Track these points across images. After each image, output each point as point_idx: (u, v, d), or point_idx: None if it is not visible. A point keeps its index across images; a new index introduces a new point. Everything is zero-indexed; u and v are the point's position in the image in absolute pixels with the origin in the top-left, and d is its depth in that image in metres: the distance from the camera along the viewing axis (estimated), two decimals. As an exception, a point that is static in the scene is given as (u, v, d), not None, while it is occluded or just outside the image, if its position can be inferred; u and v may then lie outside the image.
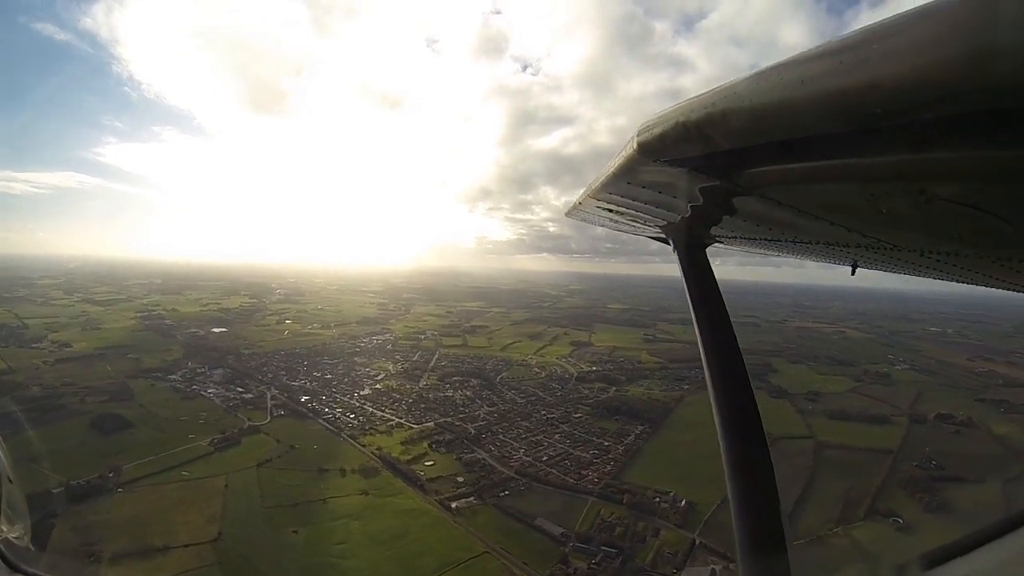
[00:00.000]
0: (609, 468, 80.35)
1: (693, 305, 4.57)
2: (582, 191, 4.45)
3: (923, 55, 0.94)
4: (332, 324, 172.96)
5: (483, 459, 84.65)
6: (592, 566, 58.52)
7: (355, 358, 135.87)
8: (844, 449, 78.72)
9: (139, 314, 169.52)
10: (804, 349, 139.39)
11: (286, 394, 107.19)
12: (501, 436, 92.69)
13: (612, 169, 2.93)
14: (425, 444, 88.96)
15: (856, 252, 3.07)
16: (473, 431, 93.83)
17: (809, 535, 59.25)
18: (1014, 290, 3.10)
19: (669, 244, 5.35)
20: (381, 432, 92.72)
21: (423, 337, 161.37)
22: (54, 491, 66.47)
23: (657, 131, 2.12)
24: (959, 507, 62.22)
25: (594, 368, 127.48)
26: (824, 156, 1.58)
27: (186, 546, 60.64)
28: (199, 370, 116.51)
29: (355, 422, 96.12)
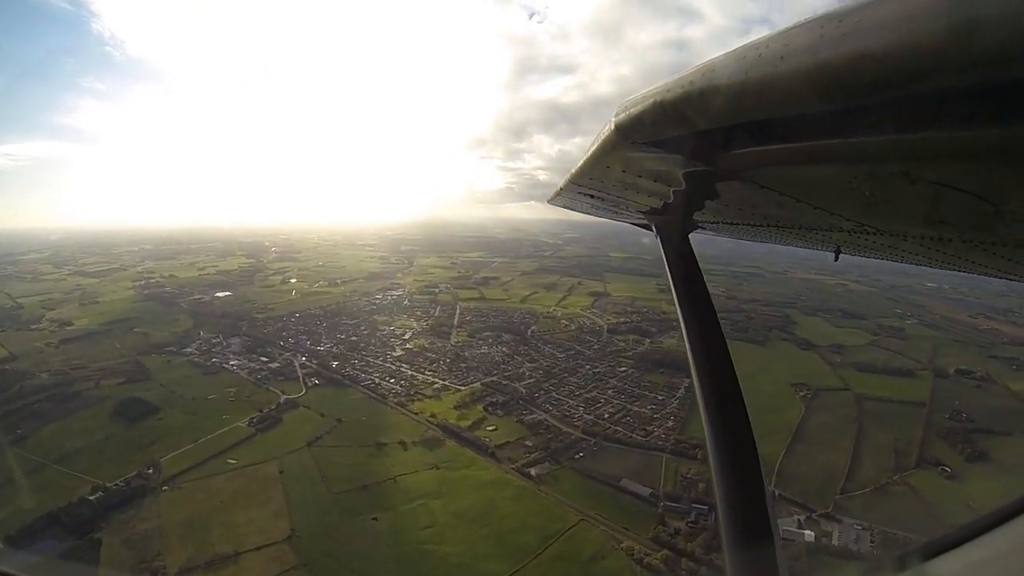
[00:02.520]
0: (671, 423, 73.98)
1: (676, 292, 4.18)
2: (564, 178, 4.28)
3: (907, 25, 0.88)
4: (339, 281, 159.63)
5: (545, 420, 76.75)
6: (690, 524, 54.31)
7: (375, 316, 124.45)
8: (882, 401, 75.78)
9: (136, 283, 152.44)
10: (814, 302, 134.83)
11: (315, 360, 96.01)
12: (554, 394, 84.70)
13: (591, 152, 2.74)
14: (480, 407, 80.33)
15: (839, 237, 2.96)
16: (524, 391, 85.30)
17: (872, 483, 58.06)
18: (996, 276, 3.04)
19: (652, 231, 5.01)
20: (429, 397, 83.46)
21: (437, 291, 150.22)
22: (91, 498, 55.24)
23: (634, 111, 1.94)
24: (996, 457, 61.01)
25: (622, 320, 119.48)
26: (806, 137, 1.48)
27: (259, 549, 51.17)
28: (214, 340, 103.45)
29: (397, 387, 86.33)
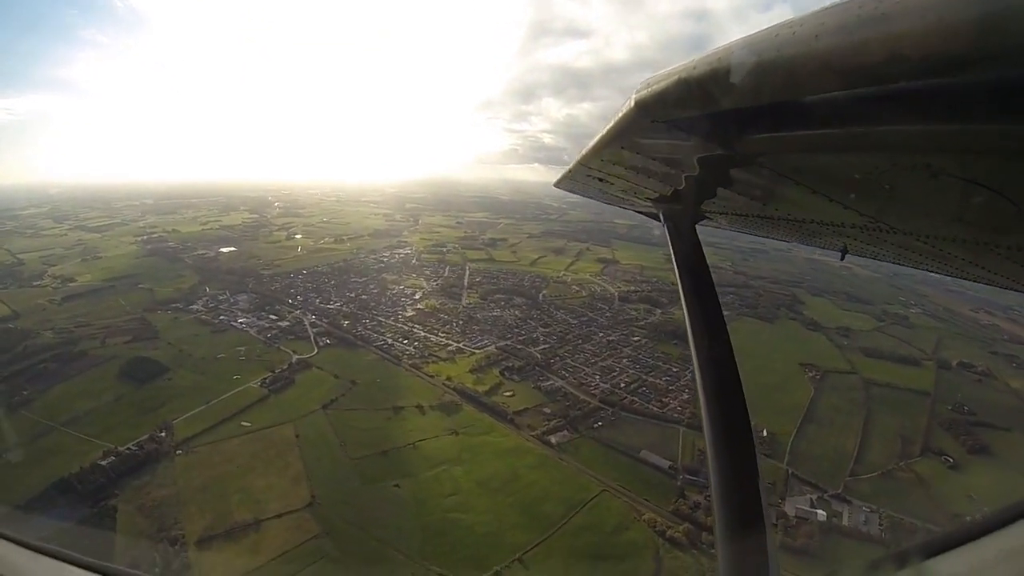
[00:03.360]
0: (687, 396, 71.27)
1: (681, 282, 4.01)
2: (573, 161, 4.24)
3: (950, 9, 0.82)
4: (344, 238, 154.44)
5: (562, 387, 74.13)
6: (708, 499, 50.55)
7: (383, 275, 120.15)
8: (888, 388, 74.29)
9: (138, 238, 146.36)
10: (820, 283, 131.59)
11: (325, 319, 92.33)
12: (569, 361, 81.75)
13: (608, 130, 2.64)
14: (496, 372, 77.50)
15: (850, 233, 2.89)
16: (540, 356, 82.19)
17: (879, 468, 57.49)
18: (1006, 286, 2.97)
19: (659, 219, 4.79)
20: (443, 360, 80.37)
21: (445, 250, 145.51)
22: (103, 463, 52.21)
23: (658, 88, 1.86)
24: (996, 452, 60.08)
25: (633, 289, 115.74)
26: (830, 122, 1.41)
27: (280, 516, 48.74)
28: (220, 297, 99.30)
29: (411, 349, 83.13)
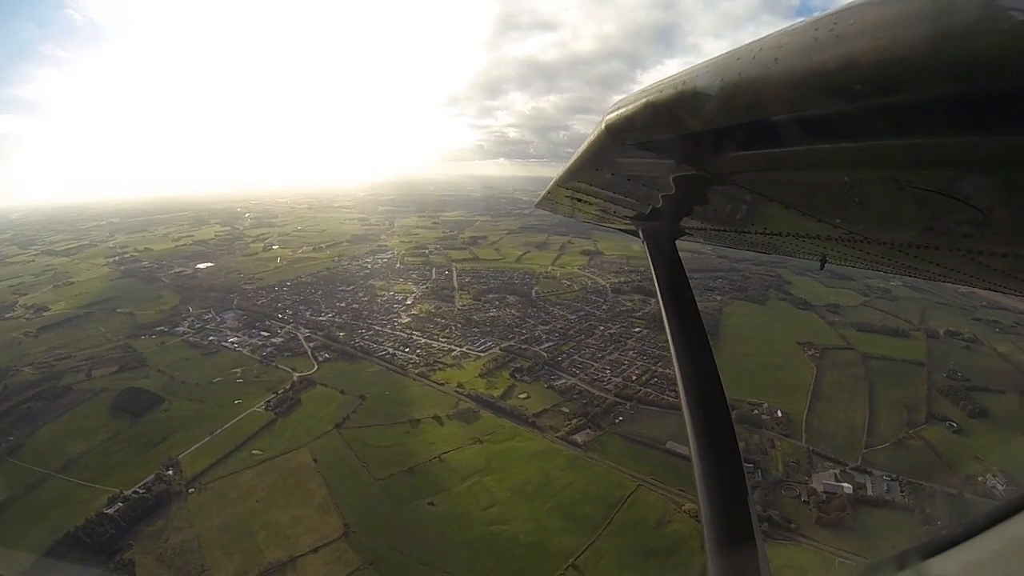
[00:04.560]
0: None
1: (662, 297, 3.97)
2: (552, 181, 4.16)
3: (901, 29, 0.84)
4: (323, 245, 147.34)
5: (575, 385, 72.26)
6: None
7: (370, 281, 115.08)
8: (885, 360, 75.41)
9: (110, 259, 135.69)
10: (802, 261, 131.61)
11: (319, 332, 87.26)
12: (576, 357, 79.80)
13: (581, 153, 2.66)
14: (506, 374, 74.88)
15: (826, 245, 2.91)
16: (546, 355, 79.96)
17: (891, 437, 58.29)
18: (981, 287, 3.02)
19: (639, 237, 4.81)
20: (450, 365, 77.14)
21: (428, 252, 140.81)
22: (109, 511, 46.88)
23: (626, 112, 1.88)
24: (995, 414, 61.64)
25: (623, 280, 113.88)
26: (797, 140, 1.42)
27: (315, 551, 45.11)
28: (206, 316, 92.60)
29: (414, 357, 79.43)
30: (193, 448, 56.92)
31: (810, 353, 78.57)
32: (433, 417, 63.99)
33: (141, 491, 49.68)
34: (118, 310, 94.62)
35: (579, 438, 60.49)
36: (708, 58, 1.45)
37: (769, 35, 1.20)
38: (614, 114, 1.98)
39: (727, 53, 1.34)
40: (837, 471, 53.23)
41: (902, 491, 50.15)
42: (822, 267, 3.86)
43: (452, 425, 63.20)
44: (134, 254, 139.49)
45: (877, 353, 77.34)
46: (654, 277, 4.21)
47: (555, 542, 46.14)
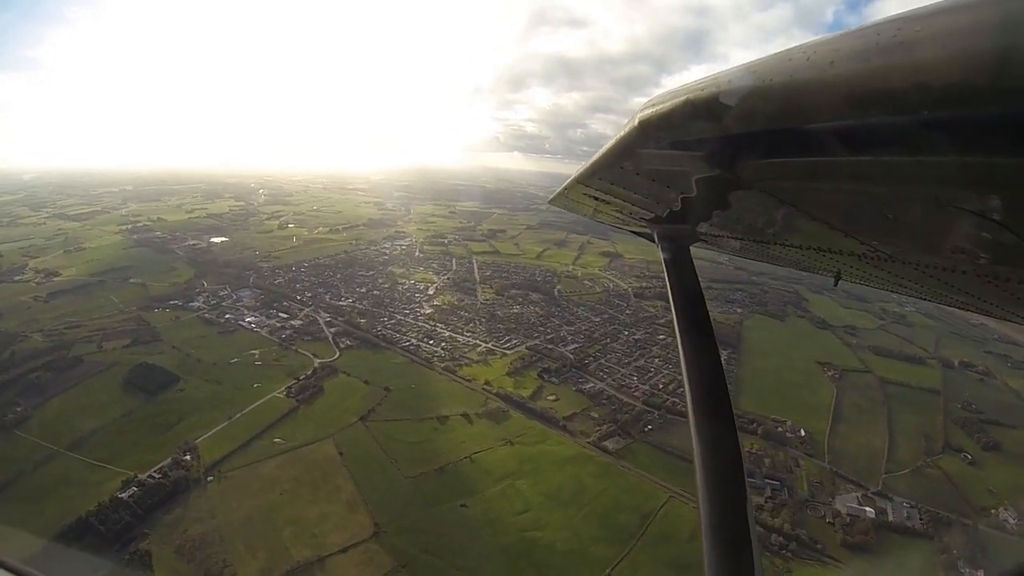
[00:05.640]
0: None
1: (674, 302, 3.89)
2: (570, 178, 4.09)
3: (972, 40, 0.76)
4: (339, 227, 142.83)
5: (603, 390, 69.29)
6: (768, 500, 51.54)
7: (390, 268, 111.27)
8: (902, 386, 73.84)
9: (122, 227, 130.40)
10: (818, 279, 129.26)
11: (340, 317, 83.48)
12: (603, 361, 76.71)
13: (608, 148, 2.56)
14: (534, 374, 71.72)
15: (845, 261, 2.79)
16: (572, 357, 76.70)
17: (909, 464, 58.00)
18: (998, 316, 2.94)
19: (653, 240, 4.65)
20: (476, 362, 73.82)
21: (446, 242, 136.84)
22: (124, 496, 43.13)
23: (663, 108, 1.75)
24: (1007, 448, 61.01)
25: (645, 285, 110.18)
26: (840, 150, 1.33)
27: (344, 550, 41.85)
28: (221, 293, 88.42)
29: (439, 350, 75.93)
30: (211, 432, 53.29)
31: (830, 374, 77.15)
32: (462, 415, 60.84)
33: (157, 476, 46.07)
34: (130, 280, 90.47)
35: (610, 445, 58.38)
36: (755, 58, 1.35)
37: (824, 37, 1.10)
38: (650, 110, 1.82)
39: (777, 53, 1.23)
40: (859, 495, 52.81)
41: (921, 518, 50.04)
42: (836, 283, 3.72)
43: (482, 424, 60.01)
44: (147, 223, 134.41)
45: (894, 379, 76.01)
46: (667, 281, 4.04)
47: (591, 551, 44.37)
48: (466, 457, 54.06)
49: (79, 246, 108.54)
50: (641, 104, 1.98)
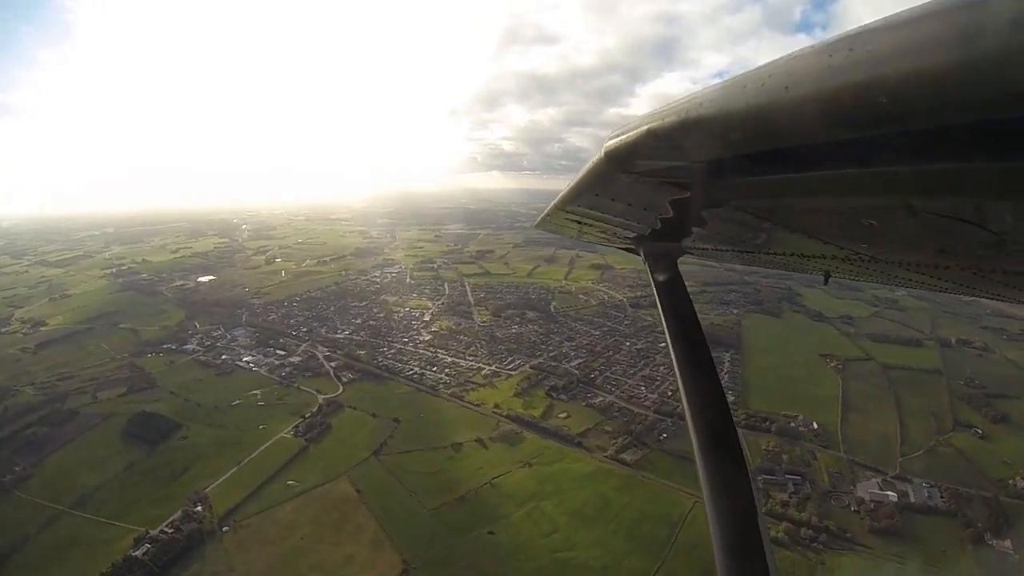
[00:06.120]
0: (732, 398, 68.07)
1: (664, 317, 3.92)
2: (551, 203, 4.10)
3: (921, 56, 0.78)
4: (327, 259, 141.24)
5: (613, 403, 68.91)
6: (792, 495, 51.74)
7: (383, 297, 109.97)
8: (904, 370, 75.27)
9: (107, 271, 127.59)
10: (808, 274, 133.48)
11: (339, 351, 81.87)
12: (608, 374, 76.43)
13: (580, 180, 2.63)
14: (541, 393, 71.12)
15: (831, 263, 2.84)
16: (577, 372, 76.33)
17: (923, 445, 58.68)
18: (988, 298, 3.04)
19: (640, 256, 4.71)
20: (482, 385, 72.97)
21: (436, 266, 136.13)
22: (136, 554, 40.98)
23: (627, 139, 1.80)
24: (1015, 419, 62.19)
25: (640, 295, 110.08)
26: (805, 167, 1.36)
27: (374, 594, 39.90)
28: (215, 333, 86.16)
29: (443, 376, 74.86)
30: (220, 480, 51.22)
31: (833, 365, 78.26)
32: (476, 440, 59.83)
33: (169, 530, 43.91)
34: (120, 325, 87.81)
35: (627, 457, 58.02)
36: (713, 84, 1.38)
37: (778, 60, 1.12)
38: (614, 141, 1.87)
39: (733, 79, 1.24)
40: (879, 480, 53.31)
41: (942, 497, 50.81)
42: (826, 282, 3.79)
43: (497, 448, 59.03)
44: (132, 266, 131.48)
45: (896, 363, 77.47)
46: (656, 296, 4.08)
47: (625, 564, 44.04)
48: (486, 483, 53.00)
49: (64, 293, 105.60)
50: (607, 135, 2.00)
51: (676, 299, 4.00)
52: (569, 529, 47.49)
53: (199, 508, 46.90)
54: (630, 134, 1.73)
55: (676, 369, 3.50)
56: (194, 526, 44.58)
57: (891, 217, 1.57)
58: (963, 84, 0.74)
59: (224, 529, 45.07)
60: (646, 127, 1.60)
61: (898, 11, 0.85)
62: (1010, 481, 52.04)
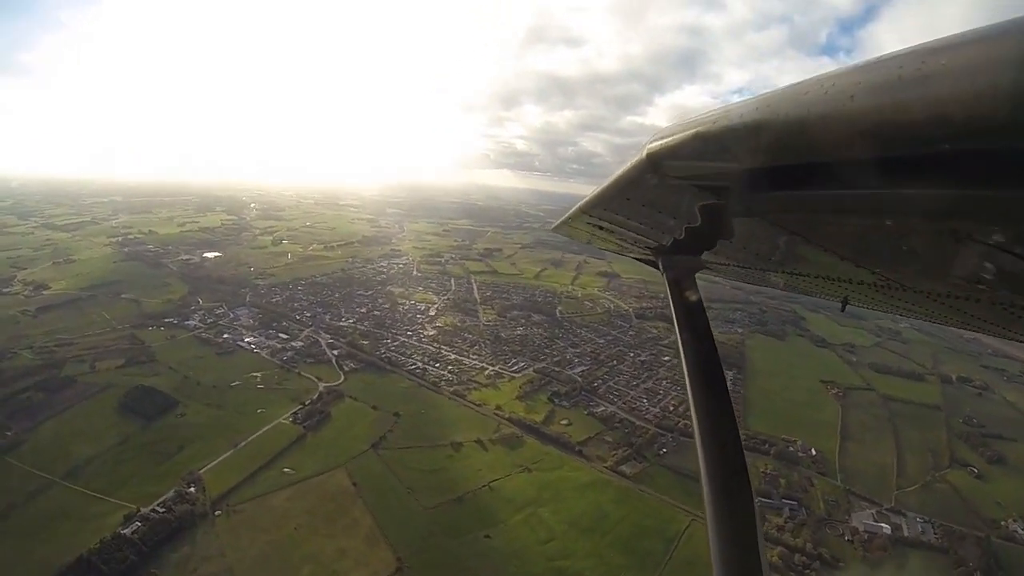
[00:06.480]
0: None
1: (680, 332, 3.73)
2: (575, 206, 4.09)
3: (996, 74, 0.74)
4: (334, 244, 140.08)
5: (615, 413, 67.95)
6: (788, 520, 51.23)
7: (388, 287, 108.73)
8: (904, 403, 74.78)
9: (113, 239, 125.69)
10: (814, 298, 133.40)
11: (341, 339, 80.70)
12: (611, 384, 75.56)
13: (615, 179, 2.53)
14: (544, 398, 70.19)
15: (854, 288, 2.72)
16: (581, 379, 75.34)
17: (919, 480, 58.61)
18: (1011, 339, 2.97)
19: (658, 268, 4.47)
20: (484, 385, 71.95)
21: (443, 261, 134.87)
22: (126, 532, 39.80)
23: (672, 141, 1.73)
24: (1011, 461, 62.12)
25: (645, 305, 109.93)
26: (853, 184, 1.26)
27: (366, 590, 38.84)
28: (218, 311, 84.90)
29: (446, 374, 73.80)
30: (215, 462, 50.08)
31: (834, 392, 77.80)
32: (476, 441, 58.88)
33: (161, 510, 42.70)
34: (122, 295, 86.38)
35: (627, 469, 57.35)
36: (770, 90, 1.31)
37: (841, 69, 1.07)
38: (658, 143, 1.81)
39: (792, 85, 1.19)
40: (874, 511, 53.37)
41: (935, 533, 50.94)
42: (843, 308, 3.70)
43: (497, 451, 58.07)
44: (138, 236, 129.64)
45: (896, 395, 77.17)
46: (672, 310, 3.84)
47: None
48: (484, 485, 52.04)
49: (69, 258, 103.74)
50: (649, 136, 1.92)
51: (693, 315, 3.81)
52: (566, 538, 46.76)
53: (192, 489, 45.77)
54: (676, 136, 1.65)
55: (688, 386, 3.35)
56: (186, 507, 43.42)
57: (935, 243, 1.48)
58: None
59: (217, 513, 43.94)
60: (694, 130, 1.53)
61: (970, 29, 0.83)
62: (1003, 522, 52.07)
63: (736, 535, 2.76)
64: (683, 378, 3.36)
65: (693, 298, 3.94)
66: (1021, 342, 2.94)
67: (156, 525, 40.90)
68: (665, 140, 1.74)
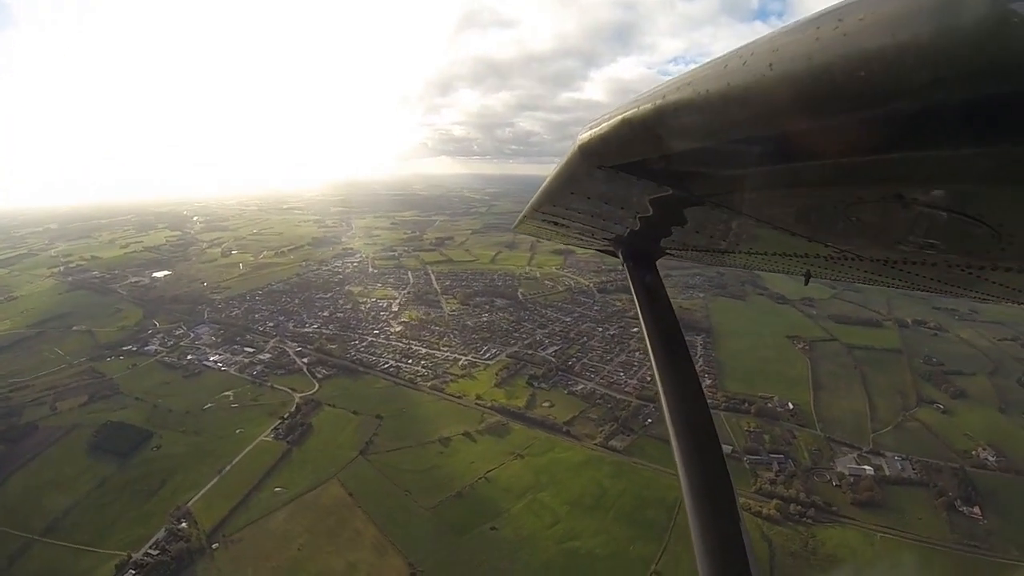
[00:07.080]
0: (709, 381, 69.65)
1: (644, 320, 3.69)
2: (527, 204, 3.94)
3: (922, 24, 0.69)
4: (284, 250, 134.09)
5: (595, 390, 69.13)
6: (778, 474, 53.16)
7: (347, 287, 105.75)
8: (867, 350, 78.80)
9: (54, 269, 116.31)
10: None
11: (308, 346, 78.29)
12: (585, 361, 76.82)
13: (554, 177, 2.52)
14: (522, 382, 70.79)
15: (814, 263, 2.73)
16: (555, 360, 76.35)
17: (891, 421, 60.98)
18: (974, 298, 2.94)
19: (619, 258, 4.49)
20: (461, 376, 71.85)
21: (397, 255, 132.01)
22: (123, 581, 37.60)
23: (600, 131, 1.70)
24: (972, 394, 66.22)
25: (605, 280, 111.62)
26: (791, 157, 1.22)
27: (383, 604, 38.79)
28: (177, 332, 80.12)
29: (419, 369, 73.19)
30: (202, 492, 47.92)
31: (800, 346, 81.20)
32: (463, 434, 58.95)
33: (154, 552, 40.62)
34: (74, 327, 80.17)
35: (616, 443, 58.58)
36: (689, 69, 1.28)
37: (761, 38, 1.02)
38: (588, 134, 1.78)
39: (713, 60, 1.14)
40: (855, 455, 55.59)
41: (914, 469, 53.63)
42: (807, 282, 3.70)
43: (485, 441, 58.41)
44: (80, 263, 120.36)
45: (859, 343, 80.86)
46: (635, 299, 3.84)
47: (632, 551, 44.44)
48: (480, 477, 52.33)
49: (10, 296, 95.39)
50: (581, 128, 1.91)
51: (656, 303, 3.74)
52: (571, 519, 47.52)
53: (184, 525, 43.66)
54: (604, 125, 1.61)
55: (655, 372, 3.30)
56: (181, 545, 41.43)
57: (881, 210, 1.46)
58: (969, 55, 0.66)
59: (214, 546, 42.17)
60: (620, 116, 1.48)
61: None
62: (973, 452, 55.54)
63: (716, 514, 2.72)
64: (650, 366, 3.33)
65: (655, 286, 3.95)
66: (988, 301, 2.95)
67: (153, 570, 38.94)
68: (594, 130, 1.70)
